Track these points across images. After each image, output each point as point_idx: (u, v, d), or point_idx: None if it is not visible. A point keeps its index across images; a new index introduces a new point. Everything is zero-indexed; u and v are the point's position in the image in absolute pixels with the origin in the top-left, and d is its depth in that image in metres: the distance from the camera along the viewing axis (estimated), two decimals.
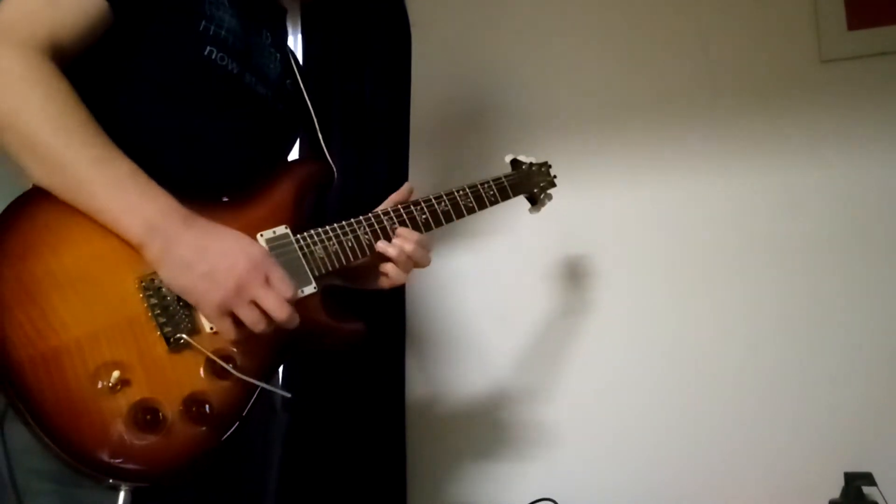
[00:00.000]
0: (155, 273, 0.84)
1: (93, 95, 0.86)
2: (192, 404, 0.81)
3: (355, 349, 1.01)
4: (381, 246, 1.04)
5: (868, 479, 1.46)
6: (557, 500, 1.63)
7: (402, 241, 1.05)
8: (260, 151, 1.06)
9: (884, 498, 1.46)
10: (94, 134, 0.83)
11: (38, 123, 0.80)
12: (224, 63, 0.98)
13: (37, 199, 0.82)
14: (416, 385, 1.84)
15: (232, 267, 0.83)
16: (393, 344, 1.80)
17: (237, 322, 0.84)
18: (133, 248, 0.83)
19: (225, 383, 0.84)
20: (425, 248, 1.07)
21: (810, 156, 1.67)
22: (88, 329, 0.79)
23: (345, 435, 1.72)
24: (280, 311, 0.84)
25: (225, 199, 0.94)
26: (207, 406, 0.82)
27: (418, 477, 1.80)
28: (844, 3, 1.67)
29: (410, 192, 1.12)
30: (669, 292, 1.73)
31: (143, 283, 0.83)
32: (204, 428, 0.82)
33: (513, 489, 1.74)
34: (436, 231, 1.10)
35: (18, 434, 0.76)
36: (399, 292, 1.81)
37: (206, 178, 0.95)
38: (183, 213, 0.84)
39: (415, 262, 1.06)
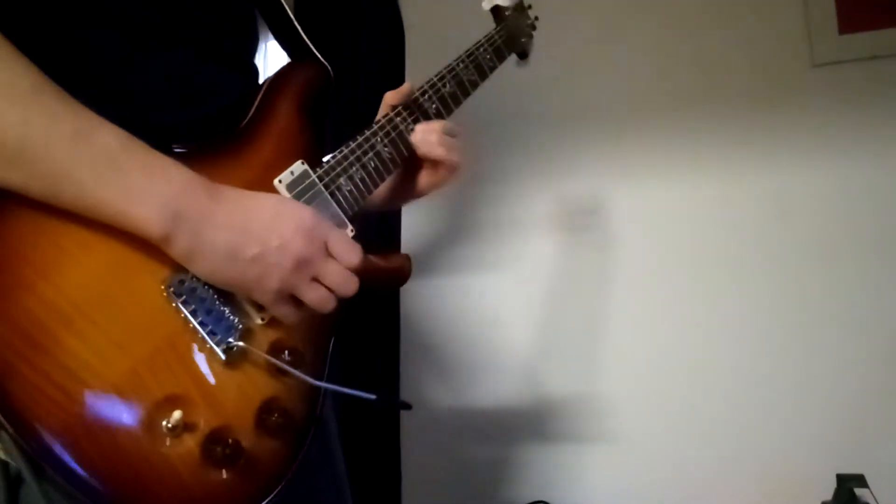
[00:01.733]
0: (181, 272, 0.66)
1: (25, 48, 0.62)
2: (267, 415, 0.68)
3: (400, 286, 0.86)
4: (421, 130, 0.90)
5: (860, 480, 1.46)
6: (551, 503, 1.63)
7: (428, 129, 0.91)
8: (233, 67, 0.85)
9: (875, 500, 1.46)
10: (57, 99, 0.60)
11: None
12: None
13: (4, 206, 0.59)
14: (410, 389, 1.84)
15: (285, 243, 0.67)
16: (387, 346, 1.80)
17: (297, 302, 0.70)
18: (141, 246, 0.64)
19: (294, 379, 0.71)
20: (452, 134, 0.93)
21: (802, 159, 1.68)
22: (124, 367, 0.60)
23: (338, 438, 1.72)
24: (349, 286, 0.71)
25: (219, 145, 0.75)
26: (283, 411, 0.69)
27: (412, 480, 1.79)
28: (836, 7, 1.68)
29: (411, 90, 0.95)
30: (663, 295, 1.73)
31: (172, 289, 0.65)
32: (287, 434, 0.69)
33: (506, 492, 1.74)
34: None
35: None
36: (394, 295, 1.80)
37: (188, 119, 0.76)
38: (205, 185, 0.66)
39: (451, 150, 0.93)
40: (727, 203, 1.71)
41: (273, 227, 0.67)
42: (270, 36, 0.92)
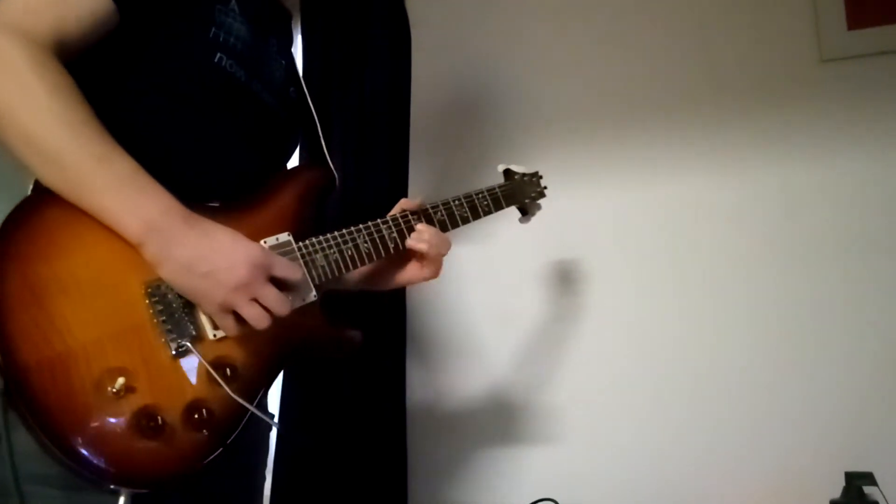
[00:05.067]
0: (161, 279, 0.83)
1: (99, 98, 0.85)
2: (194, 411, 0.81)
3: (351, 357, 1.03)
4: (412, 243, 1.06)
5: (869, 478, 1.45)
6: (558, 501, 1.63)
7: (424, 230, 1.07)
8: (264, 158, 1.06)
9: (885, 498, 1.45)
10: (96, 131, 0.82)
11: (41, 119, 0.79)
12: (233, 70, 0.98)
13: (46, 199, 0.81)
14: (417, 385, 1.84)
15: (232, 267, 0.84)
16: (394, 344, 1.80)
17: (239, 319, 0.85)
18: (138, 252, 0.82)
19: (225, 390, 0.85)
20: (442, 237, 1.09)
21: (810, 155, 1.67)
22: (95, 335, 0.78)
23: (345, 435, 1.72)
24: (282, 307, 0.86)
25: (229, 205, 0.94)
26: (208, 413, 0.82)
27: (419, 477, 1.80)
28: (844, 2, 1.67)
29: (422, 204, 1.12)
30: (671, 292, 1.72)
31: (150, 290, 0.83)
32: (205, 434, 0.82)
33: (513, 489, 1.74)
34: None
35: (20, 439, 0.76)
36: (400, 291, 1.81)
37: (212, 185, 0.95)
38: (183, 213, 0.84)
39: (439, 251, 1.08)
40: (735, 200, 1.70)
41: (226, 255, 0.84)
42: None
